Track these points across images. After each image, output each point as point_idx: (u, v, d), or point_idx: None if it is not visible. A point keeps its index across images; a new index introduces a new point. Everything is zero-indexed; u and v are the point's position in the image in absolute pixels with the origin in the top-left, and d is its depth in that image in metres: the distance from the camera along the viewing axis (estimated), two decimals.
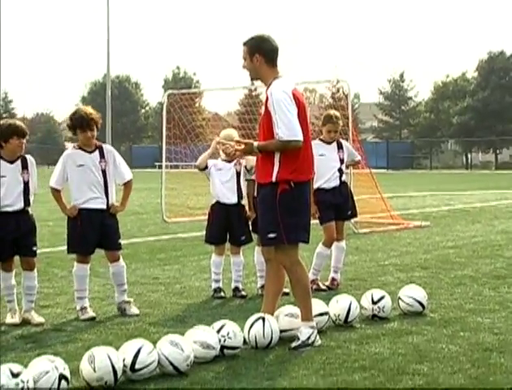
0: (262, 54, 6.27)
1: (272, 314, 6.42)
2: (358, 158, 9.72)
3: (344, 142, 9.26)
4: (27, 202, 7.21)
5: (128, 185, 7.70)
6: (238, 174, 8.48)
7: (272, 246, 6.30)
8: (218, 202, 8.52)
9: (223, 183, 8.45)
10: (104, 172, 7.47)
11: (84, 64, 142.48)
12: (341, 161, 9.00)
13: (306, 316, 6.27)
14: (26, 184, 7.21)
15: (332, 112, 9.18)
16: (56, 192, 7.49)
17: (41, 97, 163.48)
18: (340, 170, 8.98)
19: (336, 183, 8.94)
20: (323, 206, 8.76)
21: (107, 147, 7.64)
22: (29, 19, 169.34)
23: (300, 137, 6.11)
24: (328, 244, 8.91)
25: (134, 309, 7.54)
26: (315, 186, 8.83)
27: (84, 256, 7.52)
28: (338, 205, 8.90)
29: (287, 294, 7.66)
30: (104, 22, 53.36)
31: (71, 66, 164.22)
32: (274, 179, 6.13)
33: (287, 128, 6.06)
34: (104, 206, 7.47)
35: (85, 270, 7.52)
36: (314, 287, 8.56)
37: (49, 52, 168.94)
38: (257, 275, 8.68)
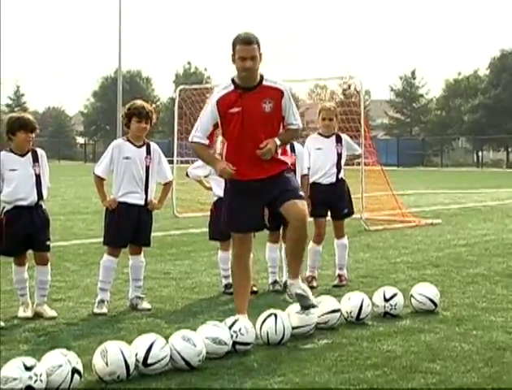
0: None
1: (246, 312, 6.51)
2: (359, 151, 9.58)
3: (343, 136, 9.11)
4: (40, 196, 7.21)
5: (168, 185, 7.81)
6: None
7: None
8: (221, 198, 8.50)
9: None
10: (147, 169, 7.50)
11: (96, 59, 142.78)
12: (339, 155, 8.87)
13: (298, 273, 6.52)
14: (38, 177, 7.20)
15: (326, 103, 9.29)
16: (99, 181, 7.51)
17: (53, 91, 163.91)
18: (337, 165, 8.86)
19: (333, 179, 8.82)
20: (316, 202, 8.61)
21: (154, 145, 7.67)
22: (42, 14, 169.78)
23: None
24: (317, 241, 8.82)
25: (146, 304, 7.56)
26: (311, 180, 8.79)
27: (116, 249, 7.55)
28: (332, 203, 8.80)
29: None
30: (116, 17, 53.56)
31: (82, 60, 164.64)
32: (289, 163, 6.66)
33: (299, 118, 6.60)
34: (142, 202, 7.50)
35: (114, 262, 7.56)
36: (307, 284, 8.57)
37: (61, 47, 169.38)
38: (268, 270, 8.67)
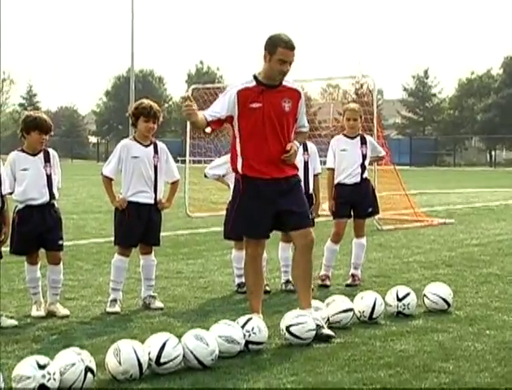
0: None
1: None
2: (383, 153, 9.66)
3: (368, 137, 9.15)
4: (52, 195, 7.23)
5: (175, 184, 7.77)
6: None
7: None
8: None
9: None
10: (156, 168, 7.51)
11: (109, 58, 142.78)
12: (364, 156, 8.90)
13: (310, 302, 6.51)
14: (49, 177, 7.21)
15: (351, 104, 9.34)
16: (108, 181, 7.50)
17: (66, 90, 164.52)
18: (362, 165, 8.90)
19: (357, 179, 8.86)
20: (340, 201, 8.78)
21: (161, 144, 7.67)
22: (54, 13, 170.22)
23: None
24: (335, 240, 8.86)
25: (158, 303, 7.57)
26: (336, 181, 8.84)
27: (126, 248, 7.56)
28: (357, 202, 8.83)
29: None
30: (128, 16, 53.63)
31: (95, 60, 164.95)
32: (297, 169, 6.72)
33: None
34: (152, 201, 7.50)
35: (125, 262, 7.57)
36: (320, 282, 8.61)
37: (74, 46, 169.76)
38: (281, 270, 8.67)
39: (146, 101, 7.56)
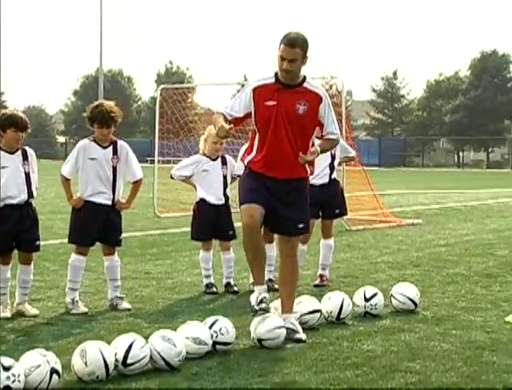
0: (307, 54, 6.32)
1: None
2: (353, 153, 9.66)
3: None
4: (30, 194, 7.18)
5: (137, 184, 7.67)
6: (225, 176, 8.48)
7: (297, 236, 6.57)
8: (204, 200, 8.50)
9: (212, 186, 8.43)
10: (115, 169, 7.44)
11: (77, 58, 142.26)
12: (333, 157, 8.91)
13: (292, 307, 6.49)
14: (27, 176, 7.16)
15: None
16: (66, 181, 7.45)
17: (33, 90, 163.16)
18: (331, 166, 8.91)
19: (326, 180, 8.86)
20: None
21: (121, 143, 7.58)
22: (22, 11, 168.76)
23: None
24: (303, 240, 8.78)
25: (126, 304, 7.52)
26: None
27: (83, 247, 7.50)
28: (325, 202, 8.80)
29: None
30: (97, 15, 53.30)
31: (63, 59, 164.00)
32: (308, 173, 6.53)
33: (338, 127, 6.61)
34: (109, 202, 7.45)
35: (82, 261, 7.50)
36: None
37: (42, 45, 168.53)
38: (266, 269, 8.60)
39: (102, 106, 7.41)
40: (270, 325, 6.09)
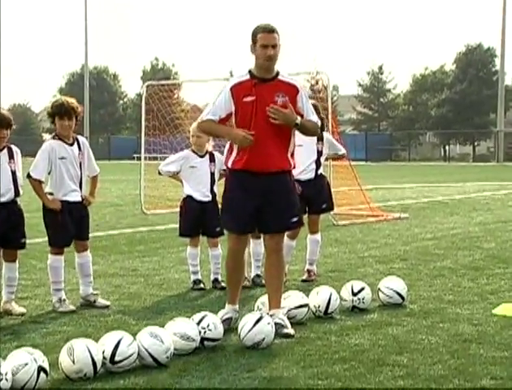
0: None
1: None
2: (342, 151, 9.59)
3: (325, 134, 9.16)
4: (17, 192, 7.15)
5: (96, 177, 7.72)
6: (212, 173, 8.46)
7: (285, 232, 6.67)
8: (190, 196, 8.49)
9: (199, 182, 8.42)
10: (81, 165, 7.44)
11: (62, 55, 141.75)
12: (319, 153, 8.92)
13: (279, 303, 6.49)
14: (13, 174, 7.14)
15: None
16: (38, 184, 7.35)
17: (18, 87, 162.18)
18: (317, 162, 8.91)
19: (312, 175, 8.87)
20: None
21: (81, 139, 7.57)
22: (6, 9, 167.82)
23: None
24: (292, 236, 8.81)
25: (103, 301, 7.49)
26: None
27: (61, 248, 7.47)
28: (311, 197, 8.79)
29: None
30: (82, 12, 53.20)
31: (48, 56, 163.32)
32: (291, 166, 6.51)
33: (318, 118, 6.66)
34: (80, 199, 7.45)
35: (61, 261, 7.46)
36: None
37: (26, 42, 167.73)
38: (252, 264, 8.62)
39: (61, 99, 7.44)
40: (257, 329, 5.91)
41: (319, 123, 6.68)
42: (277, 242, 6.55)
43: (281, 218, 6.46)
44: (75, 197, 7.40)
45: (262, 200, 6.38)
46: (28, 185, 7.32)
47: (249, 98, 6.30)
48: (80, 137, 7.55)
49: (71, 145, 7.40)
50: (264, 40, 6.25)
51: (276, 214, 6.42)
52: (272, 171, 6.36)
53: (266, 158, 6.32)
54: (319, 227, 9.17)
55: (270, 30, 6.27)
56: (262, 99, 6.28)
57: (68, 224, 7.36)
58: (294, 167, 6.60)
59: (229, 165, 6.49)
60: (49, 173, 7.37)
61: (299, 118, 6.33)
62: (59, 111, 7.30)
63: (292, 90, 6.37)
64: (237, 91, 6.33)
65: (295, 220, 6.54)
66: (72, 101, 7.41)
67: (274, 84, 6.34)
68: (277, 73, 6.40)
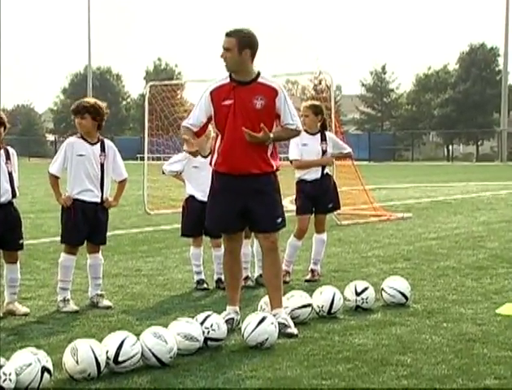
0: (251, 49, 6.40)
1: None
2: (348, 150, 9.56)
3: (329, 134, 9.18)
4: (14, 194, 7.16)
5: (123, 183, 7.71)
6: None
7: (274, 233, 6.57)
8: (193, 196, 8.49)
9: (201, 183, 8.42)
10: (102, 166, 7.43)
11: (66, 56, 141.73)
12: (324, 152, 8.95)
13: (281, 302, 6.50)
14: (10, 175, 7.14)
15: (309, 101, 9.43)
16: (54, 179, 7.42)
17: (22, 88, 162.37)
18: None
19: (317, 175, 8.90)
20: (301, 197, 8.82)
21: (109, 142, 7.60)
22: (9, 9, 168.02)
23: None
24: (299, 236, 8.87)
25: (106, 302, 7.49)
26: (297, 176, 8.90)
27: (73, 247, 7.47)
28: (318, 197, 8.84)
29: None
30: (85, 13, 53.22)
31: (52, 57, 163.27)
32: (275, 167, 6.51)
33: (298, 119, 6.62)
34: (98, 200, 7.43)
35: (72, 261, 7.48)
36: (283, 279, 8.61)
37: (30, 43, 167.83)
38: (256, 264, 8.64)
39: (82, 100, 7.52)
40: (260, 330, 5.92)
41: (297, 124, 6.58)
42: (272, 241, 6.56)
43: (267, 218, 6.49)
44: (91, 197, 7.39)
45: (248, 200, 6.44)
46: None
47: (227, 101, 6.37)
48: (107, 140, 7.58)
49: (93, 144, 7.41)
50: (223, 42, 6.43)
51: (262, 214, 6.47)
52: (253, 172, 6.41)
53: (245, 160, 6.38)
54: (325, 227, 9.18)
55: (226, 33, 6.42)
56: (241, 102, 6.35)
57: (80, 224, 7.37)
58: (278, 169, 6.60)
59: (213, 166, 6.58)
60: (67, 169, 7.40)
61: (271, 135, 6.37)
62: (72, 109, 7.43)
63: (270, 92, 6.41)
64: (217, 95, 6.42)
65: (279, 221, 6.55)
66: (89, 100, 7.50)
67: (253, 87, 6.40)
68: (257, 75, 6.45)
